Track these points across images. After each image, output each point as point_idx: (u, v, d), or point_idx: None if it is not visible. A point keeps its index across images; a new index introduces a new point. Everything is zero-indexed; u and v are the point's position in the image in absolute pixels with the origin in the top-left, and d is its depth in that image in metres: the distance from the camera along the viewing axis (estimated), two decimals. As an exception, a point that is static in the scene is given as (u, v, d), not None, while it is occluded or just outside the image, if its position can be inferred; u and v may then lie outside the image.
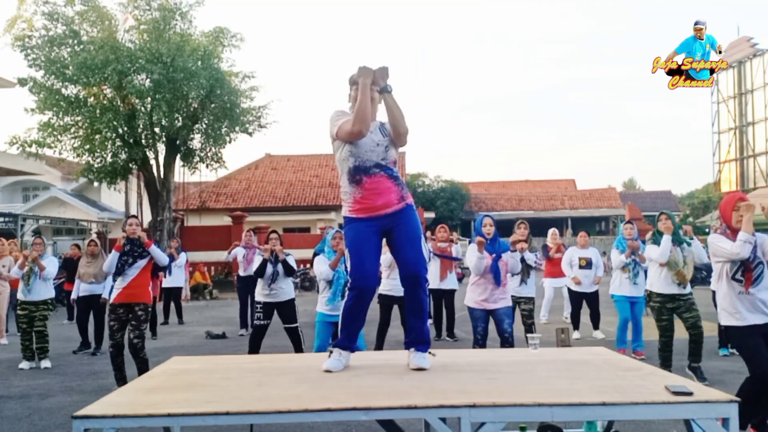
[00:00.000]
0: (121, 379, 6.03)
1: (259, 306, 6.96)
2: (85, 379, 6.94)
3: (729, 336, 4.29)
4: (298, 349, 6.90)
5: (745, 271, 4.03)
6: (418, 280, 3.43)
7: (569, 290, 9.01)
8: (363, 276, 3.41)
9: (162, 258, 6.36)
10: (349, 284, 3.52)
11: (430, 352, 3.48)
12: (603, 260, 8.45)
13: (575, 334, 8.94)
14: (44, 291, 7.69)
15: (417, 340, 3.45)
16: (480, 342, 6.06)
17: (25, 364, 7.62)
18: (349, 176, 3.43)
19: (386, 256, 6.70)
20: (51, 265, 7.80)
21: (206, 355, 5.70)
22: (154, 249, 6.24)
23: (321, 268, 6.14)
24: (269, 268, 6.90)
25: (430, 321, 10.52)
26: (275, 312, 6.98)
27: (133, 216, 6.64)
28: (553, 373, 3.21)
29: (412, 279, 3.44)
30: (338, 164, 3.51)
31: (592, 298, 8.84)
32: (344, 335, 3.51)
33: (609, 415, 2.98)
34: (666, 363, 6.19)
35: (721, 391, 2.90)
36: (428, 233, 9.74)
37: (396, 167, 3.52)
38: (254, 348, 6.93)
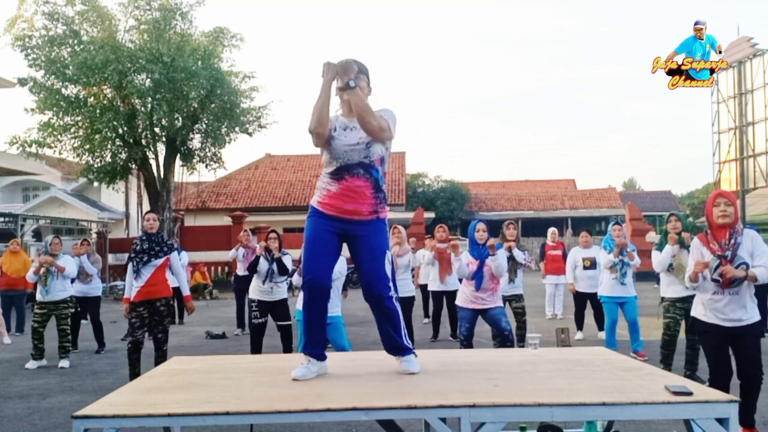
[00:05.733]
0: (135, 375, 6.08)
1: (254, 305, 7.01)
2: (85, 379, 6.94)
3: (693, 326, 4.32)
4: (287, 346, 6.99)
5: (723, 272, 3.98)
6: (378, 300, 3.27)
7: (570, 290, 9.00)
8: (314, 272, 3.23)
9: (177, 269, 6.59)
10: (301, 282, 3.34)
11: (414, 352, 3.37)
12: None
13: (578, 335, 8.93)
14: (62, 290, 7.70)
15: (395, 347, 3.32)
16: (464, 342, 6.10)
17: (31, 364, 7.62)
18: (332, 173, 3.28)
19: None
20: (69, 264, 7.82)
21: (206, 355, 5.70)
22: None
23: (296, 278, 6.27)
24: (265, 265, 6.94)
25: (426, 320, 10.51)
26: (270, 310, 7.03)
27: (151, 211, 6.63)
28: (553, 373, 3.21)
29: (372, 298, 3.29)
30: (323, 160, 3.38)
31: (597, 299, 8.80)
32: (308, 341, 3.32)
33: (609, 415, 2.98)
34: (666, 360, 6.17)
35: (720, 391, 2.90)
36: (428, 238, 9.74)
37: (382, 165, 3.32)
38: (256, 348, 6.97)
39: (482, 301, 6.04)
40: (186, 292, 6.53)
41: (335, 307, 5.94)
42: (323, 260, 3.27)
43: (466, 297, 6.14)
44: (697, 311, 4.22)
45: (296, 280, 6.20)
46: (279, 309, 7.04)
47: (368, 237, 3.29)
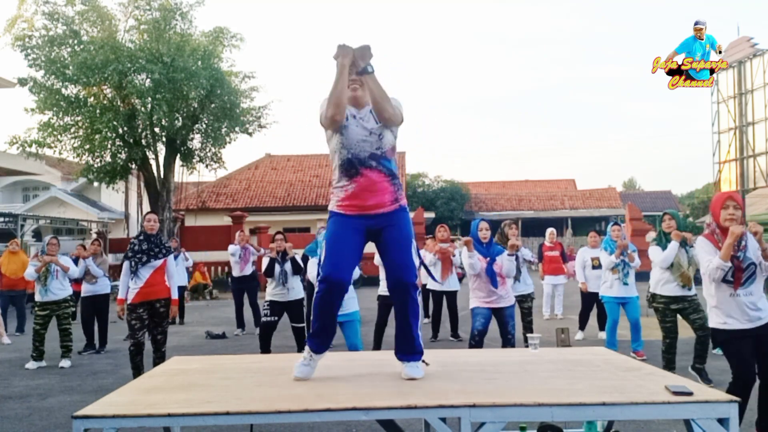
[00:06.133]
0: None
1: (266, 304, 7.04)
2: (85, 379, 6.93)
3: (714, 337, 4.20)
4: (302, 348, 6.94)
5: (734, 271, 3.95)
6: (405, 288, 3.19)
7: (581, 290, 9.01)
8: (335, 269, 3.15)
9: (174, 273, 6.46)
10: (318, 276, 3.21)
11: (424, 361, 3.30)
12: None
13: (579, 335, 8.93)
14: (62, 290, 7.70)
15: (407, 351, 3.24)
16: (476, 339, 5.93)
17: (31, 365, 7.62)
18: (343, 168, 3.21)
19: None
20: (70, 264, 7.85)
21: (206, 355, 5.69)
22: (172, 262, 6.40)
23: (313, 272, 6.10)
24: (277, 268, 6.97)
25: (427, 320, 10.34)
26: (284, 310, 7.03)
27: (152, 212, 6.59)
28: (553, 373, 3.21)
29: (398, 287, 3.21)
30: (331, 154, 3.27)
31: None
32: (314, 332, 3.26)
33: (609, 415, 2.98)
34: (670, 365, 6.12)
35: (721, 391, 2.90)
36: (429, 239, 9.71)
37: (394, 155, 3.28)
38: (265, 346, 7.02)
39: (498, 299, 5.96)
40: (175, 296, 6.38)
41: (353, 304, 5.95)
42: (344, 258, 3.21)
43: (479, 298, 6.02)
44: (715, 321, 4.08)
45: (311, 271, 6.17)
46: (294, 309, 7.06)
47: (393, 227, 3.25)
